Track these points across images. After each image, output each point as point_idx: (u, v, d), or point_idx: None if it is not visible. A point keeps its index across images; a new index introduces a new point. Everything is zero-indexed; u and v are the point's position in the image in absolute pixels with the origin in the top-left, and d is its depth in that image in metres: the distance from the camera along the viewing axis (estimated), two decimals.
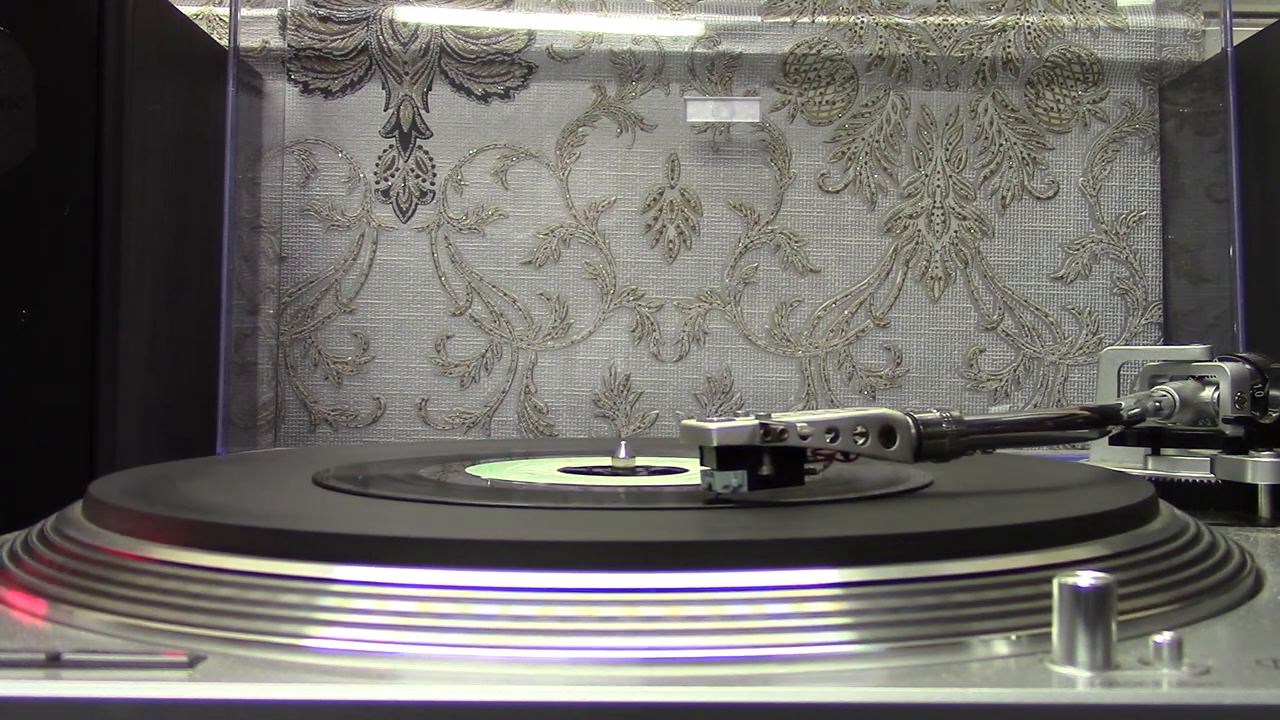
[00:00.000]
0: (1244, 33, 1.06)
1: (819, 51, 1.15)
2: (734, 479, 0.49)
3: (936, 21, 1.16)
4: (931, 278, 1.15)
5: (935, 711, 0.33)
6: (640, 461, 0.63)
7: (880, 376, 1.14)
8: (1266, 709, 0.33)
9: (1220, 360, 0.67)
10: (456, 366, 1.14)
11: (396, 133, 1.15)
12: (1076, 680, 0.34)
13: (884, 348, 1.15)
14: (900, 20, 1.16)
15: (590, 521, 0.47)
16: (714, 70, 1.15)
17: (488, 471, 0.62)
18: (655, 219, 1.15)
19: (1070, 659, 0.35)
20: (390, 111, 1.15)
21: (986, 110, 1.15)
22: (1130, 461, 0.70)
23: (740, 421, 0.49)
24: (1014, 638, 0.37)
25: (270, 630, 0.37)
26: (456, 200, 1.15)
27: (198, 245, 1.03)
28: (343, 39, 1.15)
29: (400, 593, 0.37)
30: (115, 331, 0.82)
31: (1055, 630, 0.35)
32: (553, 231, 1.14)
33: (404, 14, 1.15)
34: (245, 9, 1.13)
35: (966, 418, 0.53)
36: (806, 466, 0.51)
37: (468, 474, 0.61)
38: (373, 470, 0.62)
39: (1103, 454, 0.72)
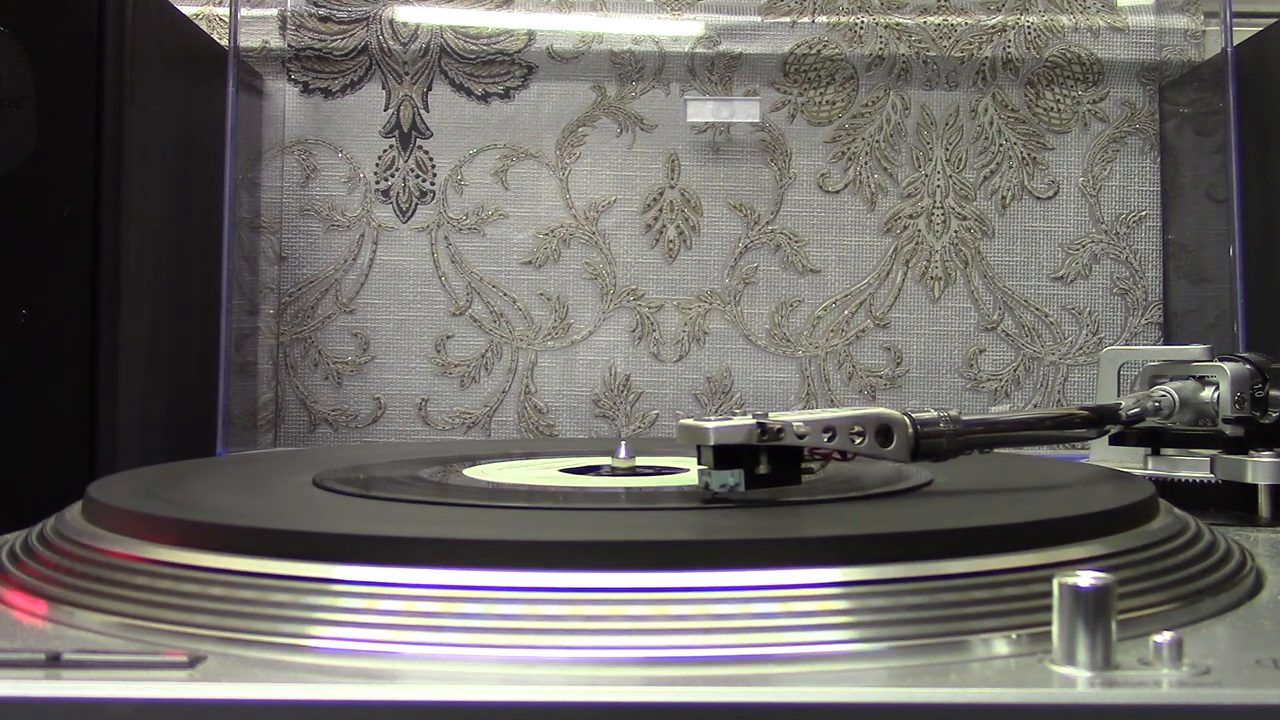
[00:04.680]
0: (1244, 33, 1.06)
1: (819, 51, 1.15)
2: (731, 478, 0.49)
3: (936, 21, 1.16)
4: (931, 278, 1.15)
5: (936, 711, 0.33)
6: (640, 461, 0.63)
7: (880, 376, 1.14)
8: (1266, 709, 0.33)
9: (1220, 360, 0.67)
10: (456, 366, 1.14)
11: (396, 133, 1.15)
12: (1076, 680, 0.34)
13: (884, 348, 1.15)
14: (900, 20, 1.15)
15: (590, 521, 0.47)
16: (714, 70, 1.15)
17: (488, 472, 0.62)
18: (655, 219, 1.15)
19: (1070, 659, 0.35)
20: (390, 111, 1.15)
21: (986, 110, 1.15)
22: (1130, 461, 0.70)
23: (737, 421, 0.49)
24: (1014, 637, 0.37)
25: (270, 630, 0.37)
26: (456, 200, 1.15)
27: (198, 245, 1.03)
28: (343, 39, 1.15)
29: (400, 593, 0.37)
30: (115, 331, 0.82)
31: (1055, 630, 0.35)
32: (553, 231, 1.14)
33: (404, 14, 1.15)
34: (245, 9, 1.13)
35: (964, 417, 0.53)
36: (803, 466, 0.51)
37: (468, 474, 0.61)
38: (373, 471, 0.62)
39: (1103, 454, 0.72)
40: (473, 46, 1.15)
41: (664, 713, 0.32)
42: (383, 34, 1.15)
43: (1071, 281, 1.15)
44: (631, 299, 1.14)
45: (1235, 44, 1.06)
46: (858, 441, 0.51)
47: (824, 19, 1.15)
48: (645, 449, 0.67)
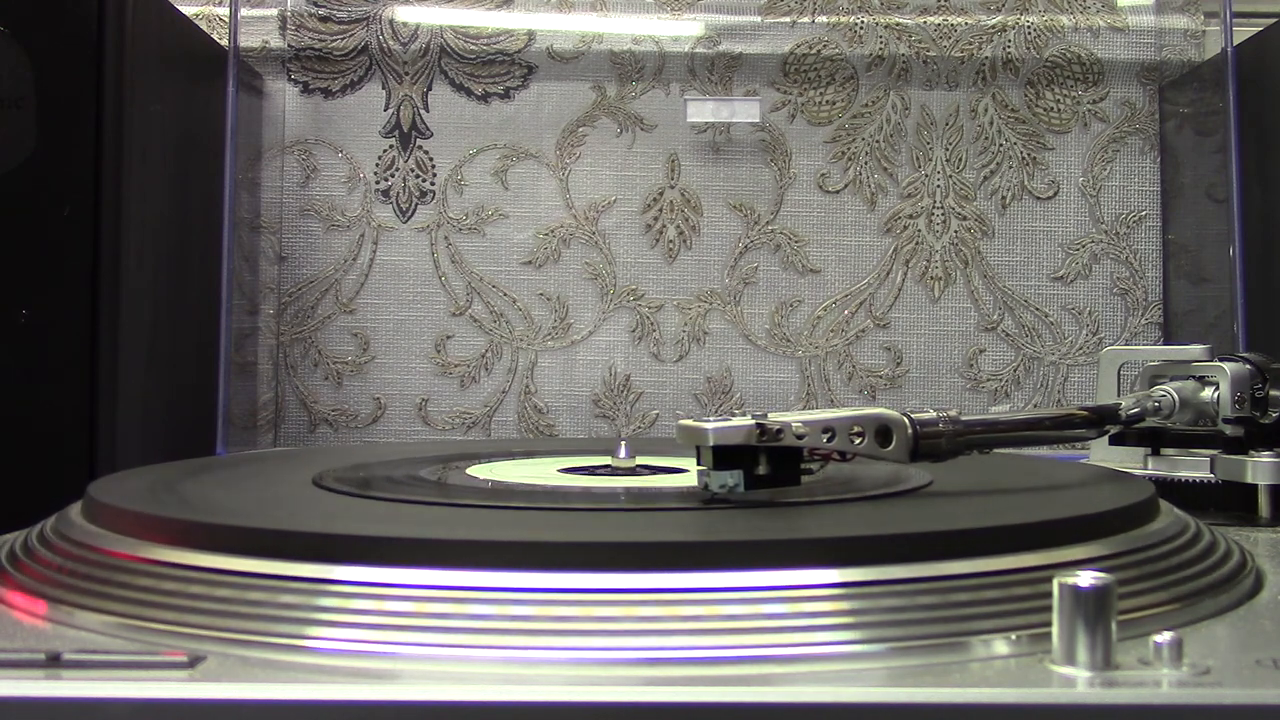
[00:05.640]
0: (1244, 33, 1.06)
1: (819, 51, 1.15)
2: (730, 479, 0.49)
3: (936, 21, 1.16)
4: (931, 278, 1.15)
5: (935, 711, 0.33)
6: (640, 461, 0.63)
7: (880, 376, 1.14)
8: (1266, 709, 0.33)
9: (1220, 360, 0.67)
10: (456, 366, 1.14)
11: (396, 133, 1.15)
12: (1076, 680, 0.34)
13: (884, 348, 1.15)
14: (900, 20, 1.15)
15: (590, 522, 0.47)
16: (714, 70, 1.15)
17: (488, 472, 0.62)
18: (655, 219, 1.15)
19: (1070, 659, 0.35)
20: (390, 111, 1.15)
21: (986, 110, 1.15)
22: (1130, 461, 0.70)
23: (736, 421, 0.49)
24: (1014, 638, 0.37)
25: (270, 630, 0.37)
26: (456, 200, 1.15)
27: (198, 245, 1.03)
28: (343, 39, 1.15)
29: (400, 593, 0.37)
30: (115, 331, 0.82)
31: (1055, 630, 0.35)
32: (553, 231, 1.14)
33: (404, 14, 1.15)
34: (245, 9, 1.13)
35: (964, 417, 0.53)
36: (803, 466, 0.51)
37: (468, 474, 0.61)
38: (373, 471, 0.62)
39: (1103, 454, 0.72)
40: (473, 46, 1.15)
41: (663, 713, 0.32)
42: (383, 34, 1.15)
43: (1071, 281, 1.15)
44: (631, 299, 1.14)
45: (1235, 44, 1.06)
46: (857, 442, 0.51)
47: (824, 19, 1.15)
48: (645, 449, 0.67)
